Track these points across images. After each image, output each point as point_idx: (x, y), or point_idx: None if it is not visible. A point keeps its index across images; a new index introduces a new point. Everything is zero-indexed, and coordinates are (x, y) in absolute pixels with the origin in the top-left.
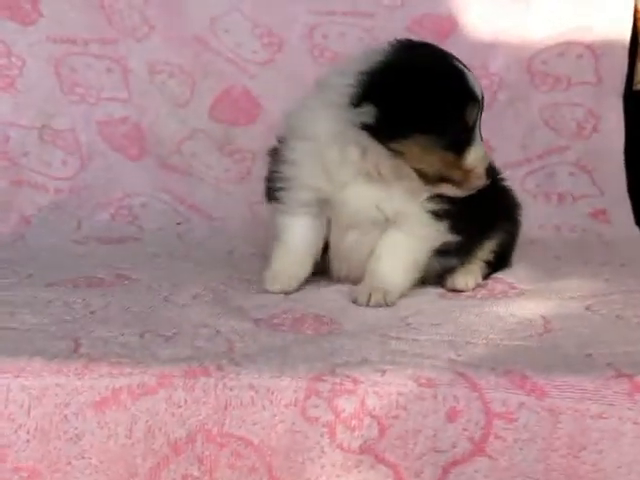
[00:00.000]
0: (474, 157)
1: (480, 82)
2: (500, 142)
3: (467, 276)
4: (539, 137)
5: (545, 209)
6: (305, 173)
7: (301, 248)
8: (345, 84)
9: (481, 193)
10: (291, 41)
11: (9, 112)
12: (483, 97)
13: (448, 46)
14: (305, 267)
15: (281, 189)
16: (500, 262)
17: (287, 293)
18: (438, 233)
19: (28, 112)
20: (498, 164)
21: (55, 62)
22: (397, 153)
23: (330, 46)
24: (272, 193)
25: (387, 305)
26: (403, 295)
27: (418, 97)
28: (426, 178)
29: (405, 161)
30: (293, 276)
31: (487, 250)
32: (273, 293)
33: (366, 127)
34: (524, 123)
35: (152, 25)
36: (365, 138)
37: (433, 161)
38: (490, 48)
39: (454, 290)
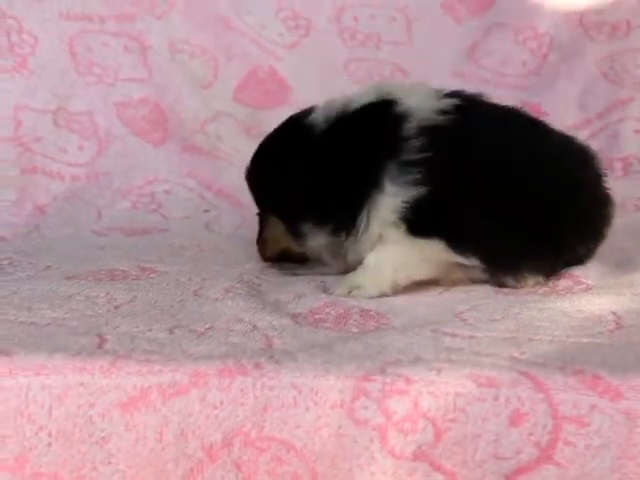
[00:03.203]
0: None
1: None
2: (554, 105)
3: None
4: (598, 93)
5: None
6: None
7: None
8: None
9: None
10: (319, 25)
11: (20, 94)
12: None
13: (493, 13)
14: None
15: None
16: None
17: None
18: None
19: (41, 94)
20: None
21: (69, 40)
22: None
23: (361, 29)
24: None
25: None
26: (393, 291)
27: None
28: None
29: None
30: None
31: (564, 259)
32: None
33: None
34: (580, 80)
35: (172, 2)
36: None
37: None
38: (537, 8)
39: (504, 286)
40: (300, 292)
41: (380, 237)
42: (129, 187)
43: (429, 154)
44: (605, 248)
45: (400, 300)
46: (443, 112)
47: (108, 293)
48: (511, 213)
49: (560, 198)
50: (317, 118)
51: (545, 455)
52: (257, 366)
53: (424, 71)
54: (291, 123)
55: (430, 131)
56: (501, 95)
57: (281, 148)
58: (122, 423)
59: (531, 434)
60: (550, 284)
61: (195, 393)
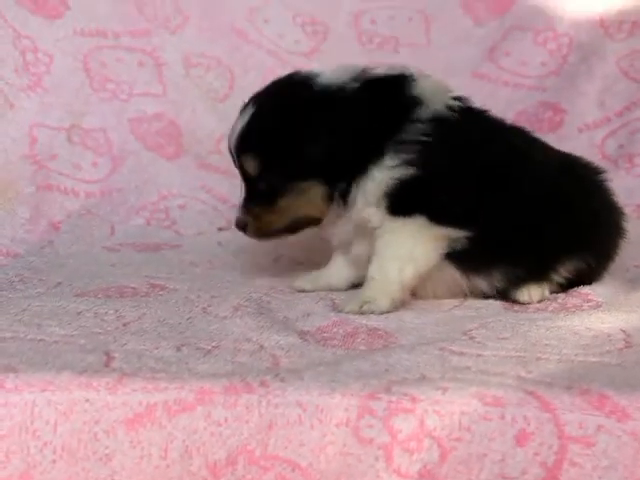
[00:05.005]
0: None
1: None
2: (574, 103)
3: (532, 288)
4: (618, 91)
5: (627, 181)
6: None
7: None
8: None
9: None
10: (337, 29)
11: (35, 112)
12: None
13: (512, 13)
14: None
15: None
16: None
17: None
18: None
19: (56, 112)
20: (573, 127)
21: (84, 57)
22: None
23: (379, 31)
24: None
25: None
26: (403, 294)
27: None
28: None
29: None
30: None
31: (560, 274)
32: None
33: None
34: (600, 79)
35: (186, 15)
36: None
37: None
38: (556, 9)
39: (516, 302)
40: (309, 310)
41: (363, 220)
42: (143, 203)
43: (428, 141)
44: (617, 264)
45: (409, 317)
46: (452, 109)
47: (117, 310)
48: (493, 210)
49: (544, 203)
50: (325, 79)
51: (551, 475)
52: (262, 384)
53: (443, 73)
54: (295, 85)
55: (438, 121)
56: (521, 96)
57: (305, 113)
58: (127, 440)
59: (537, 454)
60: (560, 301)
61: (200, 410)
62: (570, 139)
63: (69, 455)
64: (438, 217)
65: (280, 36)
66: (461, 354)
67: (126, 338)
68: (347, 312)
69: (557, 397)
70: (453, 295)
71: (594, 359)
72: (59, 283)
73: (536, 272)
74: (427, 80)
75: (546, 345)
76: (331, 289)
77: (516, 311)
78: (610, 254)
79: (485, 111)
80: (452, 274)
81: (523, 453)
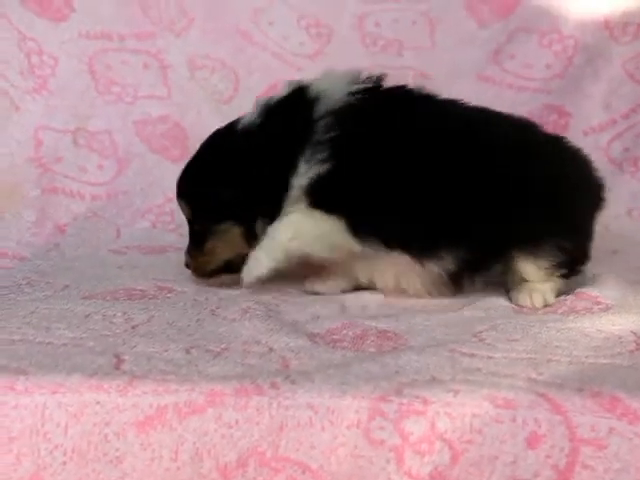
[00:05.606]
0: None
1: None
2: (579, 106)
3: (534, 293)
4: (623, 93)
5: (632, 184)
6: None
7: None
8: None
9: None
10: (341, 31)
11: (41, 115)
12: None
13: (516, 15)
14: None
15: None
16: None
17: None
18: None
19: (61, 114)
20: (578, 130)
21: (89, 59)
22: None
23: (383, 34)
24: None
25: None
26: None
27: None
28: None
29: None
30: None
31: (533, 256)
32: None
33: None
34: (605, 81)
35: (191, 18)
36: None
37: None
38: (561, 11)
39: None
40: (318, 313)
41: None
42: (149, 206)
43: (335, 134)
44: (625, 266)
45: (418, 319)
46: (352, 94)
47: (125, 313)
48: (419, 195)
49: (488, 180)
50: (244, 122)
51: (562, 478)
52: (273, 386)
53: (447, 76)
54: (222, 132)
55: (338, 111)
56: (526, 99)
57: (221, 158)
58: (137, 442)
59: (548, 457)
60: (569, 303)
61: (211, 412)
62: (575, 142)
63: (79, 457)
64: (356, 225)
65: (285, 38)
66: (471, 356)
67: (135, 340)
68: (246, 283)
69: (568, 399)
70: (435, 288)
71: (605, 361)
72: (66, 286)
73: (493, 253)
74: (325, 78)
75: (556, 347)
76: (343, 291)
77: (526, 313)
78: (585, 229)
79: (403, 88)
80: (408, 261)
81: (534, 456)
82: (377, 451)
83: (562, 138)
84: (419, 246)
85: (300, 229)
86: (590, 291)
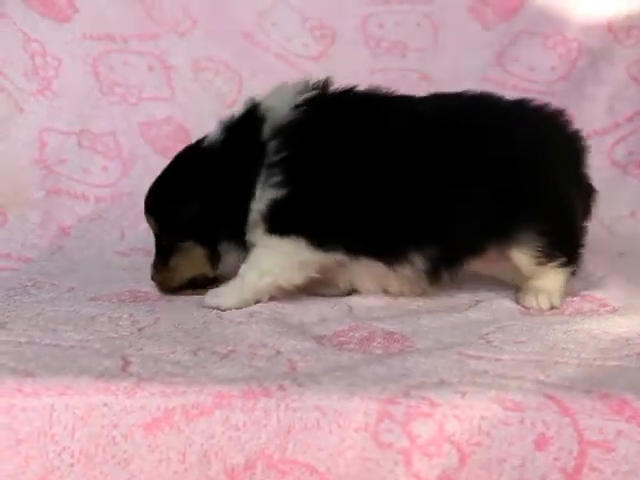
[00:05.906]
0: None
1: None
2: (583, 109)
3: (540, 294)
4: (627, 97)
5: (636, 188)
6: None
7: None
8: None
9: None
10: (344, 33)
11: (45, 117)
12: None
13: (520, 17)
14: None
15: None
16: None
17: None
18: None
19: (65, 116)
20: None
21: (93, 61)
22: None
23: (387, 36)
24: None
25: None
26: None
27: None
28: None
29: None
30: None
31: (532, 247)
32: None
33: None
34: (609, 84)
35: (195, 19)
36: None
37: None
38: (565, 14)
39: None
40: (324, 315)
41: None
42: None
43: (285, 154)
44: (630, 268)
45: (425, 321)
46: (297, 107)
47: (131, 315)
48: (374, 198)
49: (445, 173)
50: (208, 140)
51: None
52: (281, 388)
53: (450, 78)
54: (189, 149)
55: (284, 129)
56: None
57: (184, 176)
58: (145, 444)
59: (557, 459)
60: (575, 305)
61: (218, 414)
62: None
63: (87, 459)
64: (317, 239)
65: (288, 40)
66: (479, 358)
67: (142, 342)
68: (206, 305)
69: (576, 401)
70: (416, 286)
71: (613, 363)
72: (72, 288)
73: (464, 247)
74: (273, 93)
75: (564, 349)
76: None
77: (532, 315)
78: (562, 206)
79: (349, 91)
80: (381, 265)
81: (543, 458)
82: (385, 453)
83: (526, 102)
84: (386, 252)
85: (265, 266)
86: (596, 293)
